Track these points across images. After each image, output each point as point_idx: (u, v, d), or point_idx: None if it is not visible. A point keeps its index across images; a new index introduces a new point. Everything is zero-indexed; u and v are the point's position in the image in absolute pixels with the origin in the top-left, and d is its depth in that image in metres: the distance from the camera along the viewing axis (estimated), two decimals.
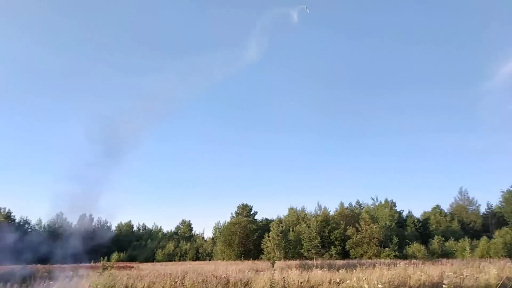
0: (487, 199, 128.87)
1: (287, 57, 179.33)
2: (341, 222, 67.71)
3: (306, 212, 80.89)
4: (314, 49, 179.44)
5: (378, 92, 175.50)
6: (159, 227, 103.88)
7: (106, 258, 64.76)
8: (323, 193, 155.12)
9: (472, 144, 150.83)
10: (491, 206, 79.23)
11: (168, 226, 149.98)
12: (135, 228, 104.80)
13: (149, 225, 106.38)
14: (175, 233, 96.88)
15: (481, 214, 77.79)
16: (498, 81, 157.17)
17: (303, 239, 66.07)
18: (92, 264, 52.80)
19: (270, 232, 66.90)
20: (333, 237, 65.23)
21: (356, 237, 63.15)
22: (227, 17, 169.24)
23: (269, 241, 66.16)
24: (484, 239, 60.51)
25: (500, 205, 76.08)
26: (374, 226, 62.89)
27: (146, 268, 36.21)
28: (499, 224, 70.94)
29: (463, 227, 72.80)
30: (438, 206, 77.40)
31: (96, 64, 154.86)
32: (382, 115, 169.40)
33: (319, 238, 64.65)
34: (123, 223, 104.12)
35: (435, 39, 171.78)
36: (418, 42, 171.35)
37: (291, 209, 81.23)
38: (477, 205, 79.67)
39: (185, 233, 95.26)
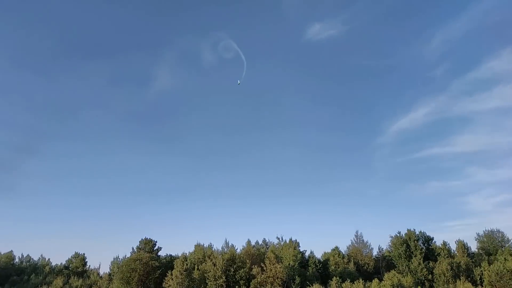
0: (378, 242, 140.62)
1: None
2: (247, 260, 67.60)
3: (214, 249, 79.51)
4: None
5: (277, 135, 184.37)
6: (46, 260, 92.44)
7: None
8: (231, 229, 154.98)
9: (368, 192, 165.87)
10: (382, 250, 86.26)
11: (58, 259, 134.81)
12: (16, 260, 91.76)
13: (35, 257, 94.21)
14: (66, 267, 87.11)
15: (374, 256, 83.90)
16: (388, 137, 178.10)
17: (208, 278, 64.19)
18: None
19: (174, 270, 63.83)
20: (238, 276, 64.59)
21: (261, 277, 63.33)
22: None
23: (172, 279, 62.94)
24: (375, 281, 64.69)
25: (389, 249, 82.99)
26: (279, 266, 63.91)
27: None
28: (388, 267, 77.13)
29: (358, 269, 77.55)
30: (337, 247, 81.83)
31: None
32: (288, 157, 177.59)
33: (224, 277, 63.47)
34: (1, 253, 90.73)
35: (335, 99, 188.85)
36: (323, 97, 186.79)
37: (197, 245, 78.95)
38: (370, 248, 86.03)
39: (77, 267, 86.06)
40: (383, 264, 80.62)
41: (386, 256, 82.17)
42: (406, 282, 61.01)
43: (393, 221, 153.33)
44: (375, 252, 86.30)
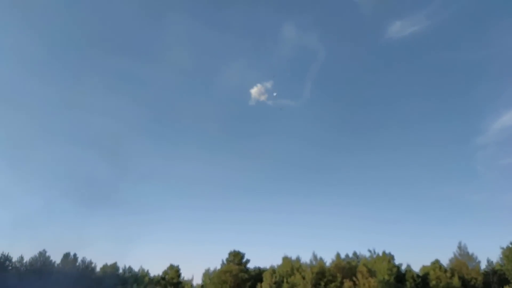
0: (487, 255, 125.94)
1: None
2: (338, 274, 64.97)
3: (301, 262, 77.74)
4: None
5: (379, 143, 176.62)
6: (146, 271, 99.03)
7: None
8: (319, 241, 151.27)
9: (469, 197, 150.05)
10: (492, 263, 76.59)
11: (156, 270, 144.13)
12: (120, 271, 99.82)
13: (136, 268, 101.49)
14: (163, 278, 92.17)
15: (482, 271, 74.96)
16: (490, 136, 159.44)
17: None
18: None
19: (263, 283, 63.87)
20: None
21: None
22: None
23: None
24: None
25: (500, 262, 73.67)
26: (372, 280, 60.24)
27: None
28: (501, 282, 68.40)
29: (464, 284, 69.84)
30: (437, 261, 74.69)
31: None
32: (382, 168, 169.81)
33: None
34: (108, 264, 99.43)
35: (429, 96, 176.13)
36: (413, 97, 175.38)
37: (285, 258, 77.98)
38: (477, 261, 76.83)
39: (172, 278, 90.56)
40: (494, 279, 71.50)
41: (497, 270, 72.89)
42: None
43: (502, 230, 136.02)
44: (483, 266, 76.84)
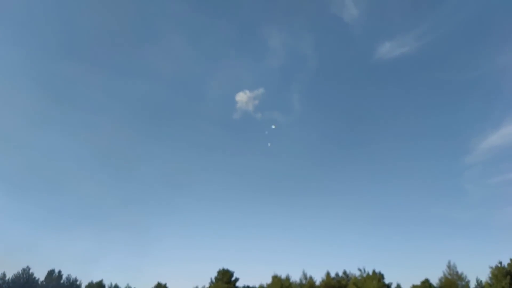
0: (476, 274, 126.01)
1: None
2: None
3: (291, 280, 76.93)
4: None
5: (366, 161, 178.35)
6: None
7: None
8: (309, 260, 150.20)
9: (457, 216, 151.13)
10: (481, 282, 76.50)
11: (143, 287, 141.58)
12: None
13: (122, 286, 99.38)
14: None
15: None
16: (478, 156, 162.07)
17: None
18: None
19: None
20: None
21: None
22: None
23: None
24: None
25: (489, 282, 73.64)
26: None
27: None
28: None
29: None
30: (427, 280, 74.44)
31: None
32: (371, 185, 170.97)
33: None
34: (94, 282, 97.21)
35: (418, 115, 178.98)
36: (402, 116, 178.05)
37: (274, 277, 77.06)
38: (466, 280, 76.69)
39: None
40: None
41: None
42: None
43: (490, 249, 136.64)
44: (472, 285, 76.80)
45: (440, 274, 79.53)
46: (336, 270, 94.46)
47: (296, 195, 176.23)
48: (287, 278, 78.23)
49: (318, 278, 77.71)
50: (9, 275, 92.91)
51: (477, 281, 77.43)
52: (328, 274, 77.48)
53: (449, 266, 78.53)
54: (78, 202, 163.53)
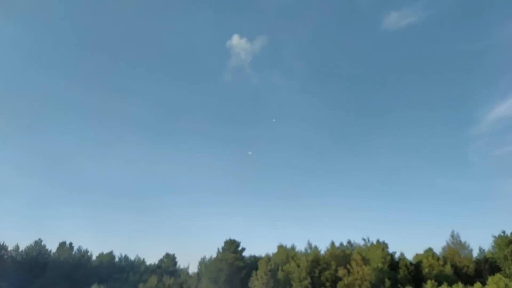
0: (479, 243, 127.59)
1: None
2: (332, 262, 65.70)
3: (296, 250, 78.62)
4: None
5: (372, 131, 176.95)
6: (142, 260, 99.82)
7: None
8: (314, 231, 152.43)
9: (462, 187, 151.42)
10: (484, 251, 77.79)
11: (151, 259, 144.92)
12: (116, 259, 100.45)
13: (132, 257, 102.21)
14: (158, 266, 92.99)
15: (474, 259, 76.12)
16: (485, 127, 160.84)
17: (292, 279, 63.61)
18: None
19: (258, 271, 64.57)
20: (324, 278, 63.03)
21: (348, 279, 61.05)
22: None
23: (257, 279, 63.67)
24: (477, 285, 58.87)
25: (492, 251, 74.73)
26: (366, 268, 61.05)
27: None
28: (492, 270, 69.33)
29: (456, 272, 70.89)
30: (430, 249, 75.68)
31: None
32: (376, 155, 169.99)
33: (309, 278, 62.38)
34: (104, 253, 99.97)
35: (425, 86, 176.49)
36: (409, 87, 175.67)
37: (280, 246, 78.74)
38: (469, 249, 78.04)
39: (168, 267, 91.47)
40: (485, 267, 72.66)
41: (489, 258, 74.02)
42: None
43: (494, 220, 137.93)
44: (475, 254, 78.11)
45: (444, 244, 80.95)
46: (340, 240, 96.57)
47: (302, 168, 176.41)
48: (293, 248, 79.99)
49: (323, 248, 79.38)
50: (22, 247, 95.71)
51: (480, 250, 78.74)
52: (332, 243, 78.95)
53: (452, 236, 79.70)
54: (83, 176, 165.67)
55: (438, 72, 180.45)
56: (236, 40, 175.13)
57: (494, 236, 73.25)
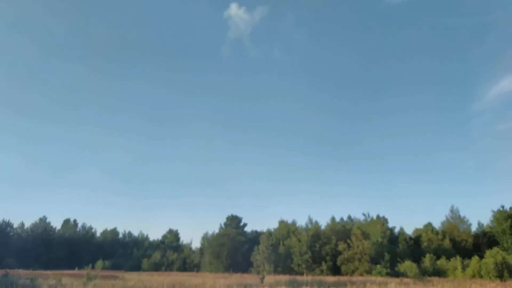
0: (478, 218, 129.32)
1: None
2: (332, 237, 66.69)
3: (297, 225, 79.73)
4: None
5: (370, 107, 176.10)
6: (145, 236, 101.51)
7: (90, 265, 62.60)
8: (314, 206, 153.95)
9: (463, 163, 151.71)
10: (482, 226, 78.78)
11: (155, 235, 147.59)
12: (120, 236, 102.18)
13: (135, 233, 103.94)
14: (162, 242, 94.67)
15: (473, 233, 77.21)
16: (487, 102, 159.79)
17: (293, 253, 64.79)
18: (76, 271, 50.81)
19: (260, 245, 65.57)
20: (324, 252, 64.11)
21: (348, 253, 62.10)
22: None
23: (259, 254, 64.78)
24: (475, 258, 59.80)
25: (491, 225, 75.67)
26: (366, 242, 62.00)
27: (132, 278, 34.61)
28: (490, 243, 70.37)
29: (455, 246, 72.06)
30: (430, 223, 76.76)
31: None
32: (376, 133, 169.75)
33: (310, 252, 63.45)
34: (108, 229, 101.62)
35: (427, 61, 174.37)
36: (410, 61, 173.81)
37: (281, 222, 79.96)
38: (468, 224, 79.13)
39: (172, 242, 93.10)
40: (484, 241, 73.77)
41: (487, 232, 75.03)
42: None
43: (494, 195, 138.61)
44: (474, 228, 79.13)
45: (443, 218, 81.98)
46: (341, 215, 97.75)
47: (302, 144, 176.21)
48: (294, 223, 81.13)
49: (323, 223, 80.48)
50: (27, 224, 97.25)
51: (478, 224, 79.72)
52: (333, 218, 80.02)
53: (452, 211, 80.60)
54: (85, 148, 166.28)
55: (441, 46, 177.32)
56: (234, 9, 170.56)
57: (493, 211, 74.03)
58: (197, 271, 72.47)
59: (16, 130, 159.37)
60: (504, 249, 63.11)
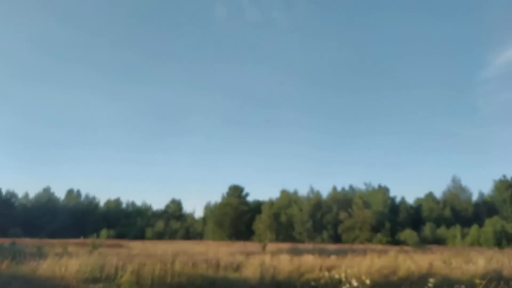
0: (479, 187, 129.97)
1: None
2: (334, 206, 67.27)
3: (299, 195, 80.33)
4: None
5: (374, 73, 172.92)
6: (148, 205, 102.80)
7: (95, 234, 63.59)
8: (316, 176, 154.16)
9: (467, 132, 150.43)
10: (483, 195, 79.45)
11: (157, 204, 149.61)
12: (123, 206, 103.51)
13: (138, 203, 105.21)
14: (165, 212, 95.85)
15: (473, 202, 77.85)
16: (493, 70, 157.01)
17: (295, 222, 65.58)
18: (81, 240, 51.68)
19: (262, 214, 66.36)
20: (325, 221, 64.84)
21: (349, 221, 62.78)
22: None
23: (261, 223, 65.65)
24: (474, 227, 60.65)
25: (491, 194, 76.23)
26: (367, 212, 62.55)
27: (136, 246, 35.01)
28: (490, 212, 71.07)
29: (455, 215, 72.80)
30: (431, 193, 77.40)
31: None
32: (377, 98, 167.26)
33: (311, 221, 64.18)
34: (111, 199, 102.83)
35: (431, 26, 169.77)
36: (414, 27, 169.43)
37: (283, 191, 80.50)
38: (469, 193, 79.76)
39: (175, 212, 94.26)
40: (484, 210, 74.41)
41: (488, 201, 75.64)
42: (511, 228, 55.84)
43: (496, 164, 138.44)
44: (474, 198, 79.74)
45: (444, 188, 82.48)
46: (343, 184, 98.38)
47: (301, 112, 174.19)
48: (295, 193, 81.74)
49: (325, 193, 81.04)
50: (31, 195, 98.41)
51: (479, 193, 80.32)
52: (334, 188, 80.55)
53: (453, 180, 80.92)
54: (89, 123, 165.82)
55: (448, 11, 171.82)
56: None
57: (495, 180, 74.46)
58: (200, 239, 73.58)
59: (19, 96, 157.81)
60: (504, 218, 63.80)
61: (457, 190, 79.13)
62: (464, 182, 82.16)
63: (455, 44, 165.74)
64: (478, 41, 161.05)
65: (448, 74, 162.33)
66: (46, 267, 13.92)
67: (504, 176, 73.00)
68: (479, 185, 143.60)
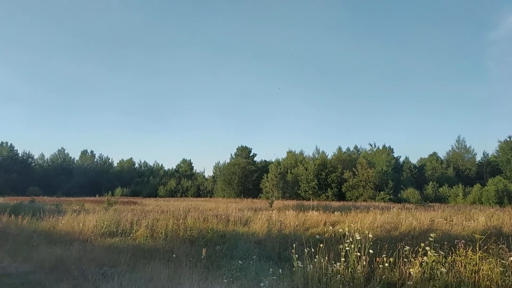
0: (483, 148, 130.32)
1: None
2: (338, 166, 69.00)
3: (304, 155, 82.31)
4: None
5: (377, 33, 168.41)
6: (160, 165, 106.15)
7: (110, 192, 66.86)
8: (321, 137, 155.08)
9: (474, 93, 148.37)
10: (487, 155, 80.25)
11: (169, 164, 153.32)
12: (136, 165, 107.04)
13: (150, 163, 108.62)
14: (176, 171, 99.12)
15: (477, 162, 78.87)
16: (504, 31, 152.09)
17: (300, 181, 67.79)
18: (97, 198, 54.73)
19: (269, 174, 68.66)
20: (330, 179, 66.88)
21: (353, 180, 64.74)
22: None
23: (268, 181, 68.12)
24: (477, 186, 61.87)
25: (496, 154, 76.97)
26: (371, 171, 64.26)
27: (150, 203, 37.37)
28: (493, 172, 72.21)
29: (458, 174, 74.25)
30: (435, 153, 78.49)
31: None
32: (384, 57, 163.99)
33: (316, 180, 66.30)
34: (124, 160, 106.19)
35: None
36: None
37: (289, 152, 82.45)
38: (473, 153, 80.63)
39: (186, 171, 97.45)
40: (487, 170, 75.64)
41: (492, 161, 76.61)
42: None
43: (502, 125, 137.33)
44: (478, 158, 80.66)
45: (449, 148, 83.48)
46: (348, 145, 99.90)
47: (306, 71, 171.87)
48: (301, 153, 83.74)
49: (330, 153, 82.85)
50: (47, 156, 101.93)
51: (483, 153, 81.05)
52: (339, 149, 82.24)
53: (458, 141, 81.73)
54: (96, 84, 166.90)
55: None
56: None
57: (500, 141, 75.00)
58: (211, 196, 76.79)
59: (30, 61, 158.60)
60: (507, 178, 64.97)
61: (461, 151, 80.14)
62: (468, 143, 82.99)
63: (464, 5, 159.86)
64: (487, 1, 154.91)
65: (456, 36, 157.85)
66: (64, 222, 15.47)
67: (510, 136, 73.37)
68: (484, 146, 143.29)
